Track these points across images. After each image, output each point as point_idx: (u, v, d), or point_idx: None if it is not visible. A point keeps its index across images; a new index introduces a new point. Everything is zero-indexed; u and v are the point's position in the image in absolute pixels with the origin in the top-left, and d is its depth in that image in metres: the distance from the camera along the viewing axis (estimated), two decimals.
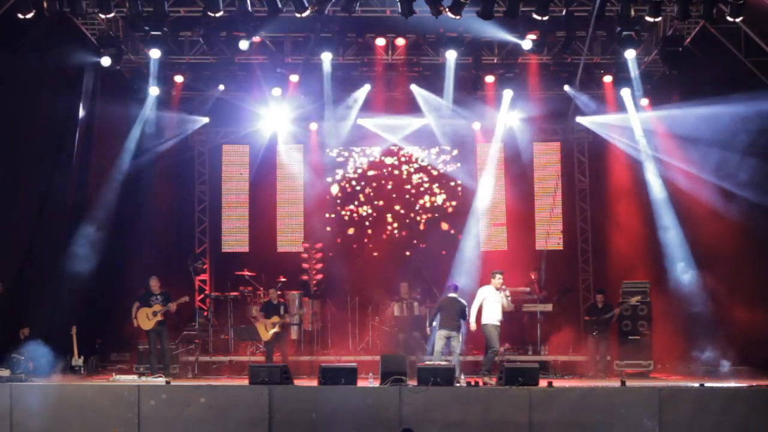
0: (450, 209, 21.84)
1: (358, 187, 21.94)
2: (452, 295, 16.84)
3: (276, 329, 17.95)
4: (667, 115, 19.11)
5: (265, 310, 18.18)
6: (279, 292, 18.74)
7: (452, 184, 21.89)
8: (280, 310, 18.14)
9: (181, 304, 18.17)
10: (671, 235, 19.02)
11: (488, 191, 21.58)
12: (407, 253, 21.41)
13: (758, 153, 17.67)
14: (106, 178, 19.02)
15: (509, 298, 16.41)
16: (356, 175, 21.96)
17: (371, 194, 21.93)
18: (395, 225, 21.82)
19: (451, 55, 17.79)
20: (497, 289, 16.30)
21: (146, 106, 19.14)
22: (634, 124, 19.51)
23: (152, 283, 17.82)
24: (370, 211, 21.89)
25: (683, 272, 18.46)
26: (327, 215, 21.80)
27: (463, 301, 16.60)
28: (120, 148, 19.30)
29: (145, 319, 17.67)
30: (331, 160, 21.95)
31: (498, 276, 16.34)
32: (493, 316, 16.21)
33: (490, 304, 16.22)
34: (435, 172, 21.91)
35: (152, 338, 17.68)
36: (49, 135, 18.06)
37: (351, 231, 21.83)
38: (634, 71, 18.14)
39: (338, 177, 21.95)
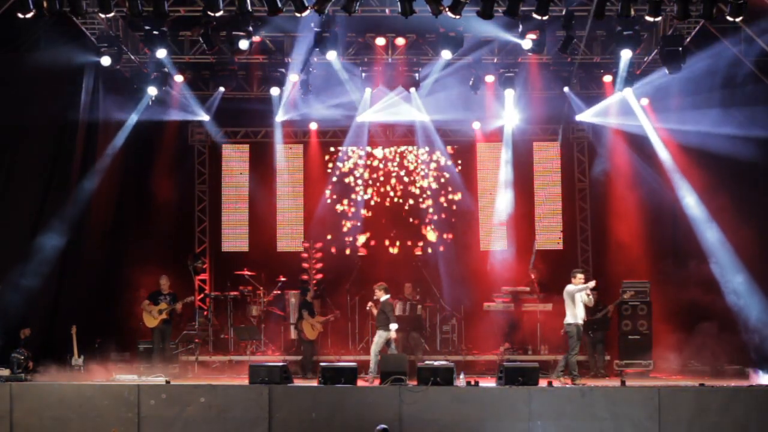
0: (450, 208, 21.81)
1: (357, 186, 21.92)
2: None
3: (321, 327, 18.59)
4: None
5: (307, 309, 18.45)
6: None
7: (452, 182, 21.89)
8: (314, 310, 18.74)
9: (186, 303, 18.28)
10: (711, 239, 18.54)
11: (488, 191, 21.61)
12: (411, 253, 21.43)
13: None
14: (107, 178, 19.01)
15: (590, 296, 16.22)
16: (356, 175, 21.94)
17: (371, 193, 21.90)
18: (395, 224, 21.80)
19: (446, 55, 17.79)
20: None
21: (146, 99, 19.17)
22: (643, 123, 19.48)
23: (162, 282, 17.99)
24: (369, 211, 21.90)
25: (740, 290, 17.88)
26: (327, 215, 21.80)
27: None
28: (120, 146, 19.33)
29: (151, 317, 17.81)
30: (331, 159, 21.94)
31: (579, 275, 16.16)
32: (579, 315, 16.05)
33: (576, 304, 16.06)
34: (434, 172, 21.89)
35: (156, 336, 17.83)
36: (50, 134, 18.05)
37: (348, 230, 21.82)
38: (624, 70, 18.11)
39: (338, 176, 21.92)
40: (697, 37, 17.57)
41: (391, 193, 21.88)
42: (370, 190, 21.87)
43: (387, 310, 16.84)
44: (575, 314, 16.01)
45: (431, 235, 21.63)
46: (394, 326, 16.73)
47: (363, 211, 21.81)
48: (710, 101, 18.12)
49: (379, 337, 16.74)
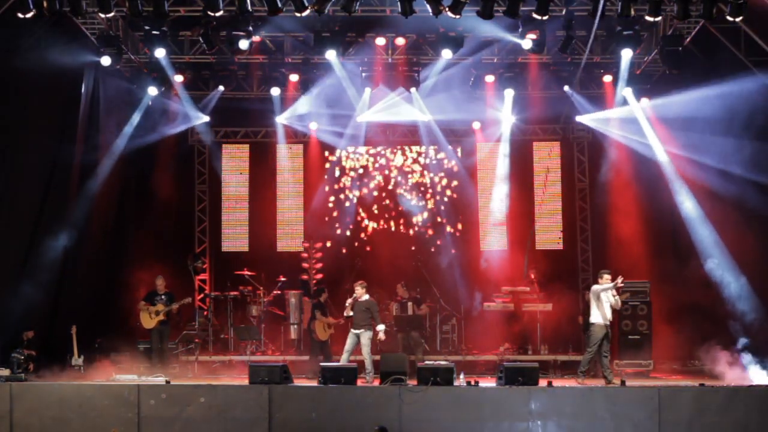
0: (450, 207, 21.80)
1: (358, 186, 21.90)
2: None
3: (332, 329, 18.53)
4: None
5: (320, 310, 18.46)
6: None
7: (452, 182, 21.88)
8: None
9: (183, 305, 18.26)
10: (705, 238, 18.54)
11: (488, 191, 21.60)
12: (411, 251, 21.39)
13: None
14: (107, 178, 19.00)
15: (617, 297, 16.15)
16: (356, 175, 21.93)
17: (371, 193, 21.88)
18: (395, 224, 21.78)
19: (446, 55, 17.78)
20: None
21: (146, 100, 19.17)
22: (642, 122, 19.42)
23: (158, 282, 17.99)
24: (369, 209, 21.88)
25: (740, 291, 17.82)
26: (326, 216, 21.80)
27: None
28: (119, 146, 19.32)
29: (148, 318, 17.82)
30: (331, 159, 21.94)
31: (606, 276, 16.08)
32: (604, 316, 15.98)
33: (601, 304, 16.01)
34: (434, 171, 21.88)
35: (154, 337, 17.83)
36: (49, 134, 18.05)
37: (349, 232, 21.82)
38: (625, 71, 18.12)
39: (338, 176, 21.92)
40: (697, 37, 17.57)
41: (392, 193, 21.81)
42: (372, 223, 21.76)
43: (374, 310, 16.52)
44: (600, 314, 15.94)
45: (431, 235, 21.54)
46: (381, 327, 16.43)
47: (363, 211, 21.77)
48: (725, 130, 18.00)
49: (366, 339, 16.34)
